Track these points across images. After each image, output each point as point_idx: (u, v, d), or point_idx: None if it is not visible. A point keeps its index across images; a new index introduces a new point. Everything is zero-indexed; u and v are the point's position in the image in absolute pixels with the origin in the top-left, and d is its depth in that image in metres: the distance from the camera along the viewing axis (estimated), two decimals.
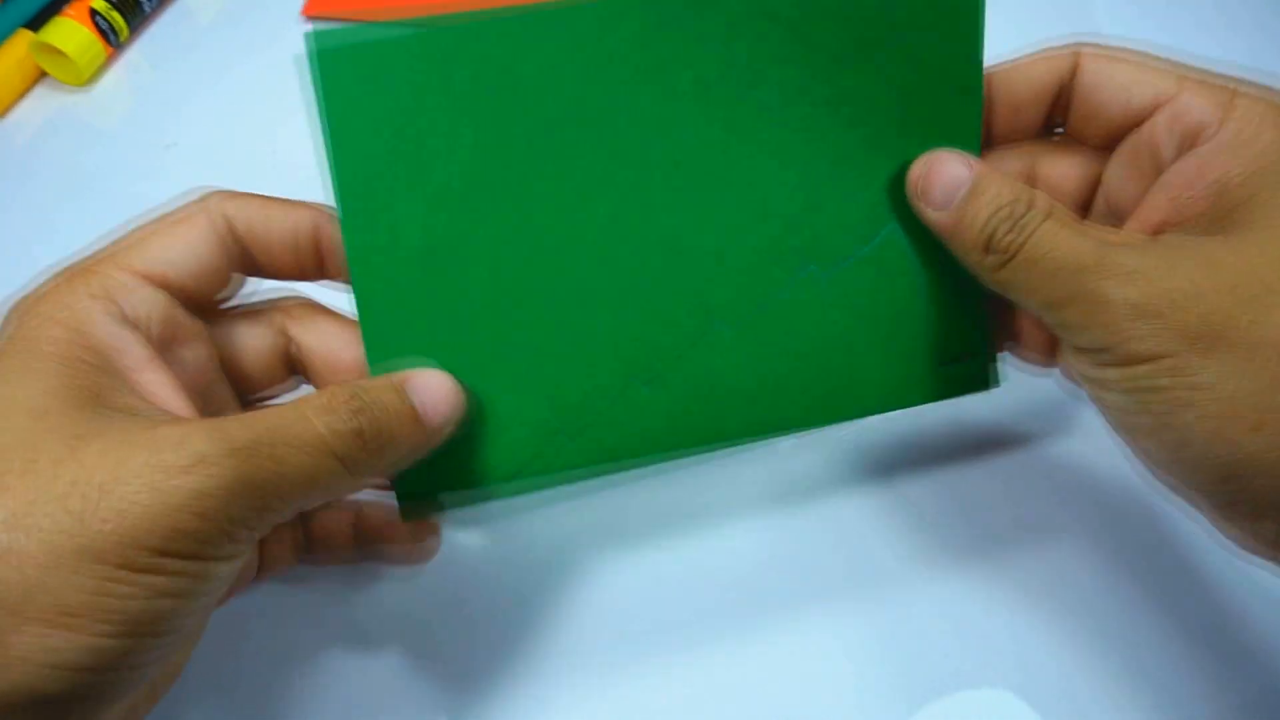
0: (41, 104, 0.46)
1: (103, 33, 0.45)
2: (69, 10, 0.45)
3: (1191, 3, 0.50)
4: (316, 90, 0.22)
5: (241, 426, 0.18)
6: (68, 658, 0.16)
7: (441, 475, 0.24)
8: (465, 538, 0.32)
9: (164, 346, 0.21)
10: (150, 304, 0.21)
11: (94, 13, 0.45)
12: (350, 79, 0.22)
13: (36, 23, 0.46)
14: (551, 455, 0.25)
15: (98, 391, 0.19)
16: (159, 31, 0.49)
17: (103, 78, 0.47)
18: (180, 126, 0.44)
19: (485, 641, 0.30)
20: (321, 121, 0.23)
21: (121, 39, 0.47)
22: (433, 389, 0.22)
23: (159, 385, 0.20)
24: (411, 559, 0.27)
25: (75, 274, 0.21)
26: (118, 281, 0.21)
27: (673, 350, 0.25)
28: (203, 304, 0.24)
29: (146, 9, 0.48)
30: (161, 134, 0.44)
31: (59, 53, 0.44)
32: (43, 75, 0.46)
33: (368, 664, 0.29)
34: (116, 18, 0.46)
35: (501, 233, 0.23)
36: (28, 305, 0.20)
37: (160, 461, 0.17)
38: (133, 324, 0.20)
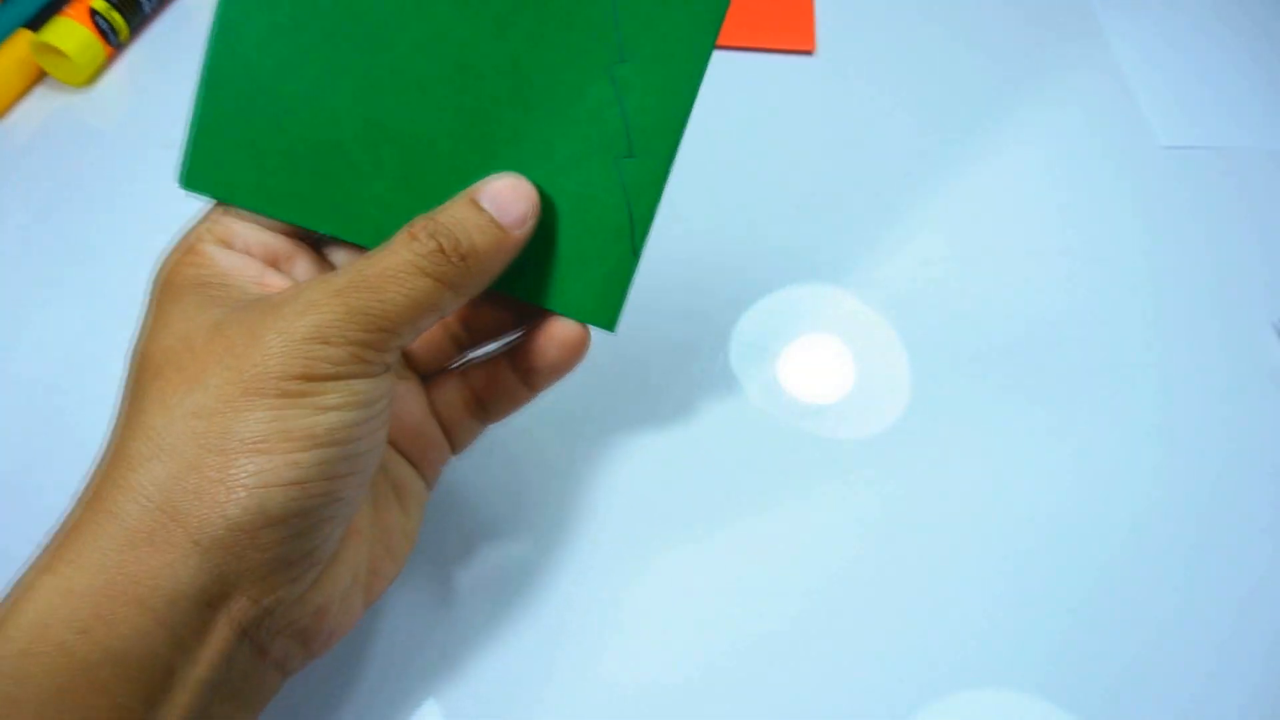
0: (41, 104, 0.46)
1: (103, 33, 0.45)
2: (69, 10, 0.45)
3: (1191, 3, 0.50)
4: None
5: (342, 274, 0.22)
6: (274, 476, 0.20)
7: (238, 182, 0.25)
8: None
9: (273, 263, 0.25)
10: (250, 235, 0.25)
11: (94, 13, 0.45)
12: None
13: (36, 23, 0.46)
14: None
15: (230, 297, 0.23)
16: (159, 31, 0.49)
17: (103, 78, 0.47)
18: (180, 126, 0.44)
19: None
20: None
21: (121, 39, 0.47)
22: (505, 191, 0.24)
23: (281, 282, 0.24)
24: (565, 358, 0.27)
25: (189, 233, 0.25)
26: (222, 226, 0.25)
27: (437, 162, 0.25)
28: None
29: (146, 9, 0.48)
30: (161, 134, 0.44)
31: (59, 53, 0.44)
32: (43, 75, 0.46)
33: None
34: (116, 18, 0.46)
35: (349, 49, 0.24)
36: (167, 259, 0.24)
37: (282, 314, 0.21)
38: (243, 251, 0.25)
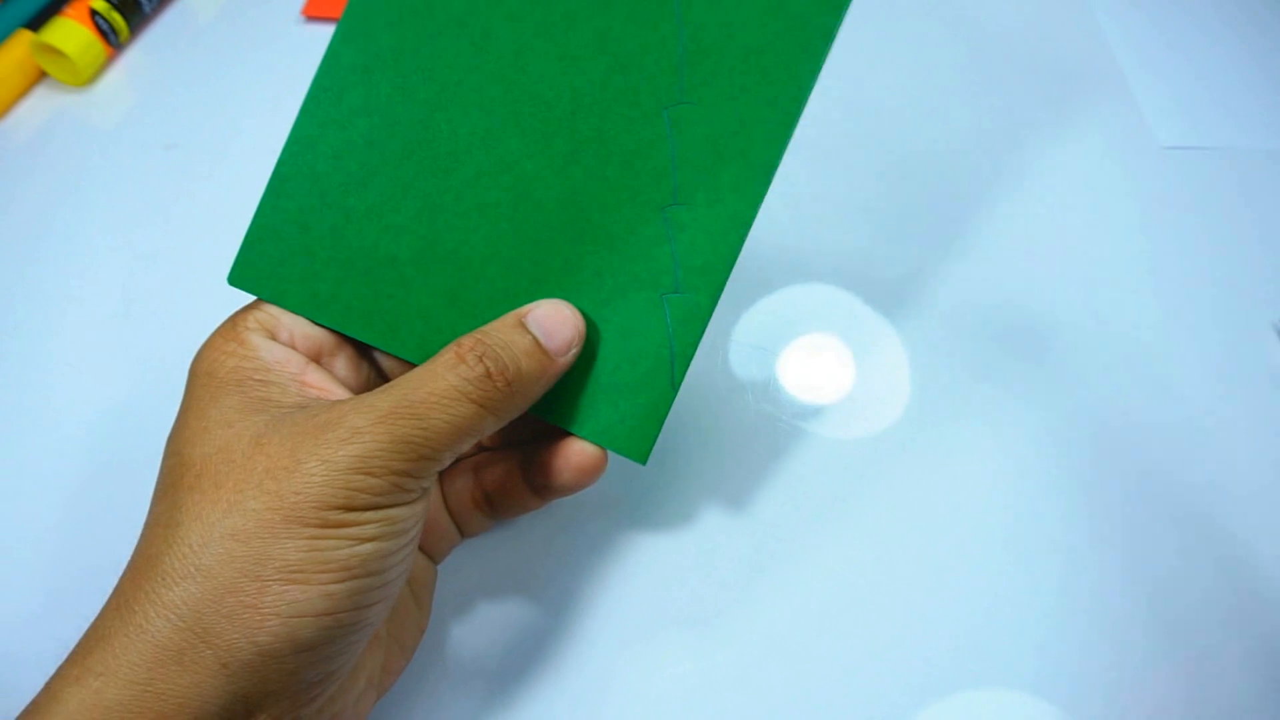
0: (41, 104, 0.46)
1: (103, 33, 0.45)
2: (69, 10, 0.45)
3: (1191, 3, 0.50)
4: None
5: (386, 396, 0.22)
6: (307, 606, 0.20)
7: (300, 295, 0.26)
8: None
9: (316, 357, 0.26)
10: (295, 327, 0.25)
11: (94, 13, 0.45)
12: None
13: (36, 23, 0.46)
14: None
15: (269, 398, 0.23)
16: (159, 31, 0.49)
17: (103, 78, 0.47)
18: (180, 126, 0.44)
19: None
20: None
21: (121, 39, 0.47)
22: (552, 317, 0.24)
23: (322, 380, 0.24)
24: (581, 481, 0.27)
25: (235, 318, 0.25)
26: (268, 314, 0.25)
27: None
28: None
29: (146, 9, 0.48)
30: (161, 134, 0.44)
31: (59, 53, 0.44)
32: (43, 75, 0.46)
33: None
34: (116, 18, 0.46)
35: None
36: (206, 346, 0.24)
37: (325, 439, 0.21)
38: (287, 344, 0.25)
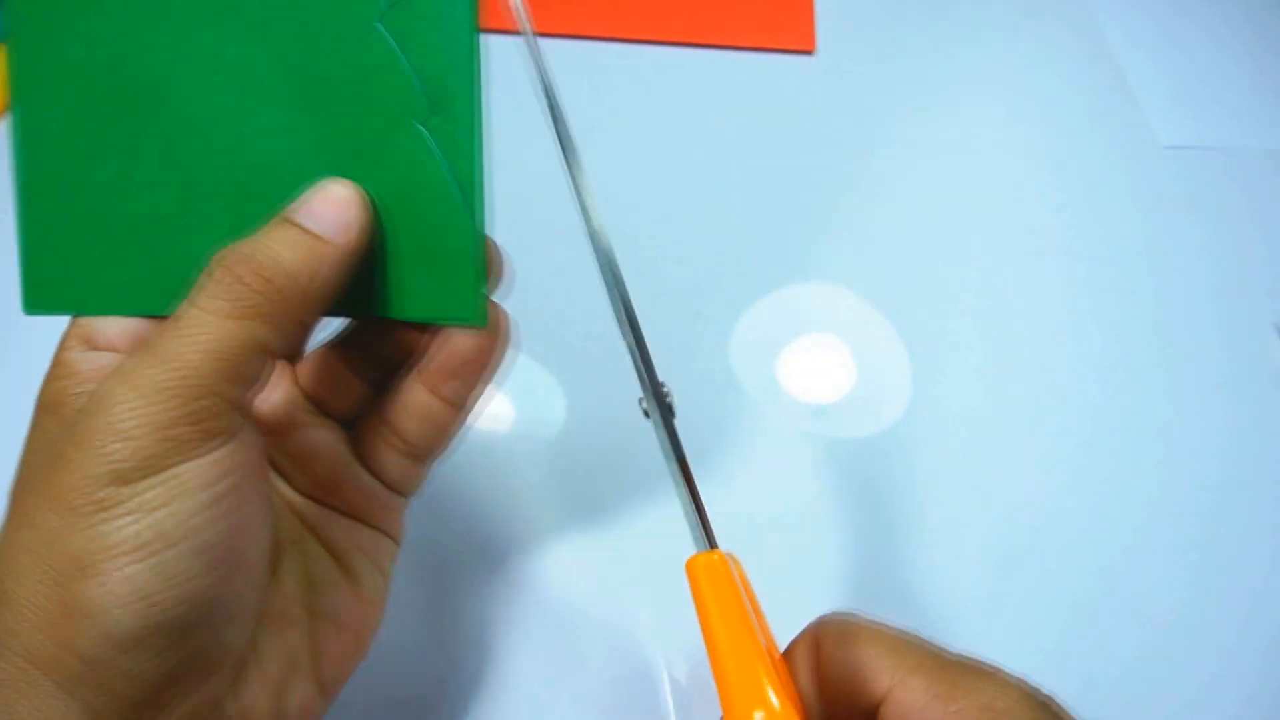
0: None
1: None
2: None
3: (1191, 3, 0.50)
4: None
5: (136, 354, 0.19)
6: (111, 597, 0.18)
7: (78, 294, 0.24)
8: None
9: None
10: (110, 327, 0.23)
11: None
12: None
13: None
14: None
15: (76, 408, 0.21)
16: None
17: None
18: None
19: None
20: None
21: None
22: (318, 199, 0.21)
23: None
24: (469, 366, 0.24)
25: (60, 343, 0.23)
26: (83, 325, 0.23)
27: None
28: None
29: None
30: None
31: None
32: None
33: None
34: None
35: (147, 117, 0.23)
36: (42, 381, 0.22)
37: (80, 423, 0.19)
38: (107, 348, 0.23)
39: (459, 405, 0.25)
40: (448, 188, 0.22)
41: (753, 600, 0.22)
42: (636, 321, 0.23)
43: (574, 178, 0.23)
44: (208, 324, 0.19)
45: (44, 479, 0.19)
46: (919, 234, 0.41)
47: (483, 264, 0.23)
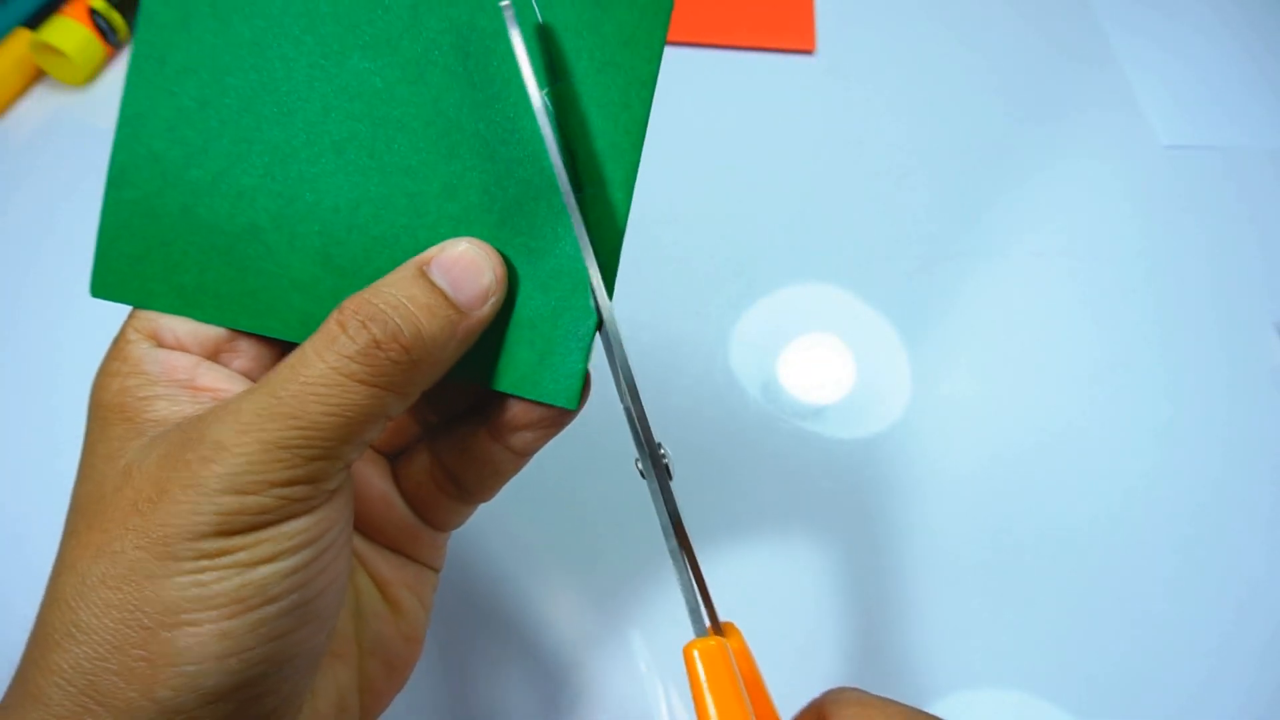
0: (41, 104, 0.45)
1: (102, 32, 0.45)
2: (68, 9, 0.45)
3: (1192, 4, 0.50)
4: None
5: (254, 397, 0.18)
6: (203, 650, 0.17)
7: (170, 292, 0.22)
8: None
9: (213, 353, 0.22)
10: (179, 325, 0.22)
11: (93, 12, 0.45)
12: None
13: (36, 22, 0.46)
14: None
15: (156, 415, 0.20)
16: None
17: (102, 77, 0.46)
18: None
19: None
20: None
21: (121, 38, 0.46)
22: (461, 261, 0.20)
23: (216, 380, 0.21)
24: (537, 438, 0.23)
25: (121, 331, 0.22)
26: (149, 318, 0.22)
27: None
28: None
29: None
30: None
31: (58, 52, 0.44)
32: (42, 75, 0.46)
33: None
34: (116, 17, 0.46)
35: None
36: (98, 371, 0.21)
37: (187, 461, 0.18)
38: (174, 346, 0.22)
39: (526, 454, 0.23)
40: (578, 268, 0.22)
41: (753, 681, 0.22)
42: (635, 388, 0.22)
43: (585, 258, 0.22)
44: (341, 386, 0.18)
45: (136, 511, 0.18)
46: (918, 234, 0.41)
47: (588, 352, 0.22)
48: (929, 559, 0.32)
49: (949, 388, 0.36)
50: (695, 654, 0.21)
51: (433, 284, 0.20)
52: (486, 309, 0.20)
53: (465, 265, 0.20)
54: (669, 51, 0.46)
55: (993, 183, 0.43)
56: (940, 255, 0.40)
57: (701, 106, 0.45)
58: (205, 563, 0.18)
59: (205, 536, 0.18)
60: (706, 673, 0.21)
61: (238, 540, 0.18)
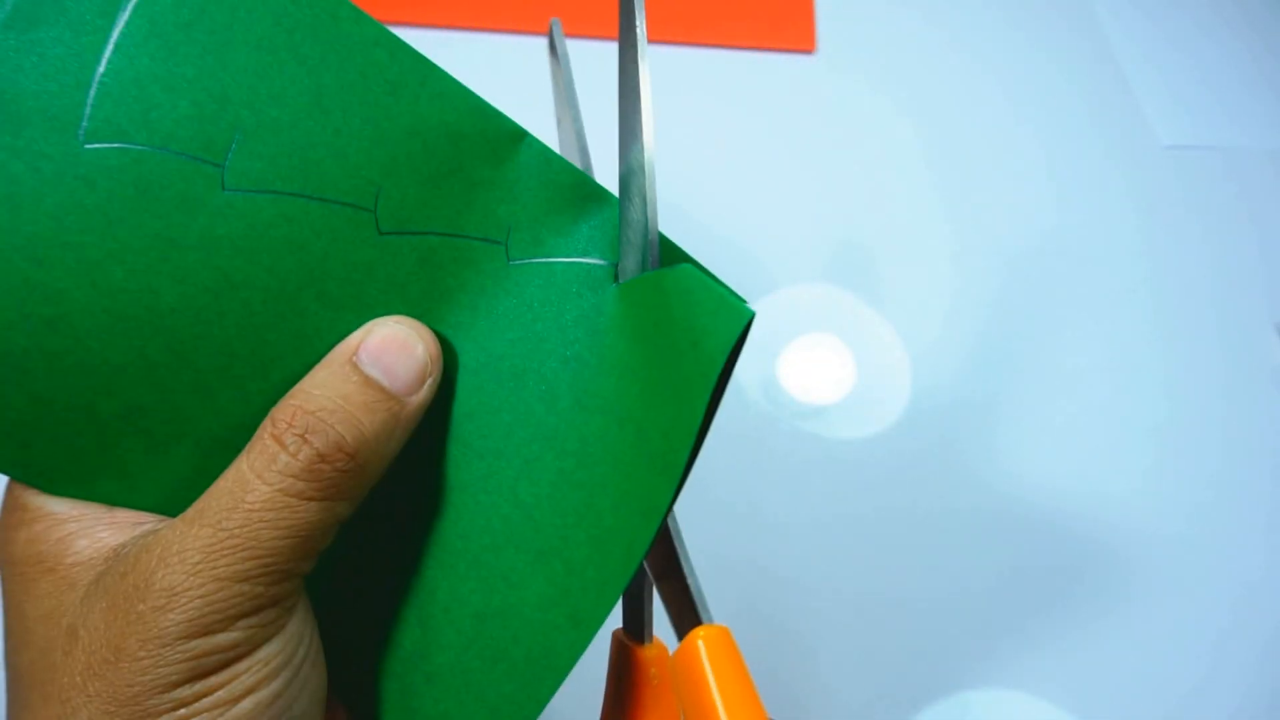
0: None
1: None
2: None
3: (1191, 3, 0.50)
4: None
5: (198, 530, 0.17)
6: None
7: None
8: None
9: None
10: None
11: None
12: None
13: None
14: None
15: (79, 560, 0.18)
16: None
17: None
18: None
19: None
20: None
21: None
22: (390, 344, 0.18)
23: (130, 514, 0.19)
24: None
25: (8, 485, 0.20)
26: None
27: None
28: None
29: None
30: None
31: None
32: None
33: None
34: None
35: None
36: (2, 522, 0.19)
37: (139, 613, 0.17)
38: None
39: None
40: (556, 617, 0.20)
41: (743, 680, 0.21)
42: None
43: None
44: (289, 508, 0.17)
45: (93, 675, 0.17)
46: (919, 234, 0.41)
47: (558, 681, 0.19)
48: (929, 559, 0.32)
49: (949, 388, 0.36)
50: (699, 643, 0.20)
51: (366, 377, 0.18)
52: (424, 392, 0.19)
53: (397, 348, 0.18)
54: (669, 51, 0.46)
55: (992, 183, 0.43)
56: (941, 255, 0.40)
57: (702, 107, 0.45)
58: (184, 710, 0.16)
59: (178, 685, 0.16)
60: (711, 661, 0.20)
61: (214, 679, 0.17)
